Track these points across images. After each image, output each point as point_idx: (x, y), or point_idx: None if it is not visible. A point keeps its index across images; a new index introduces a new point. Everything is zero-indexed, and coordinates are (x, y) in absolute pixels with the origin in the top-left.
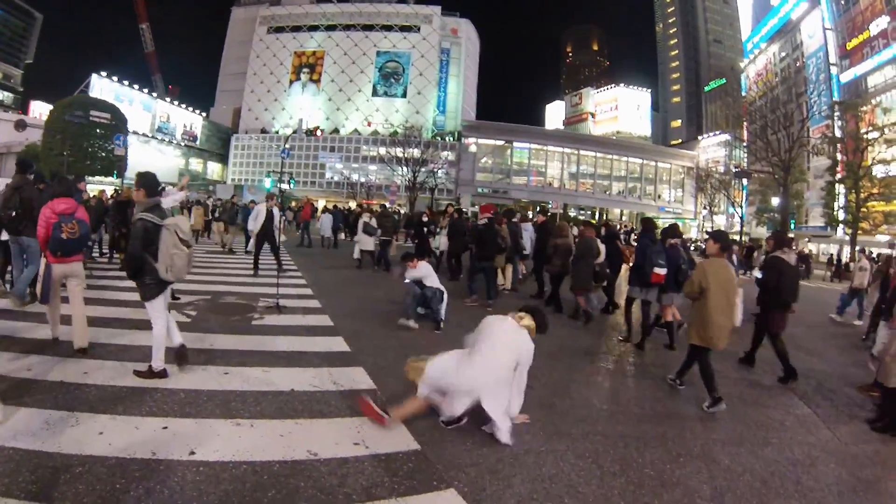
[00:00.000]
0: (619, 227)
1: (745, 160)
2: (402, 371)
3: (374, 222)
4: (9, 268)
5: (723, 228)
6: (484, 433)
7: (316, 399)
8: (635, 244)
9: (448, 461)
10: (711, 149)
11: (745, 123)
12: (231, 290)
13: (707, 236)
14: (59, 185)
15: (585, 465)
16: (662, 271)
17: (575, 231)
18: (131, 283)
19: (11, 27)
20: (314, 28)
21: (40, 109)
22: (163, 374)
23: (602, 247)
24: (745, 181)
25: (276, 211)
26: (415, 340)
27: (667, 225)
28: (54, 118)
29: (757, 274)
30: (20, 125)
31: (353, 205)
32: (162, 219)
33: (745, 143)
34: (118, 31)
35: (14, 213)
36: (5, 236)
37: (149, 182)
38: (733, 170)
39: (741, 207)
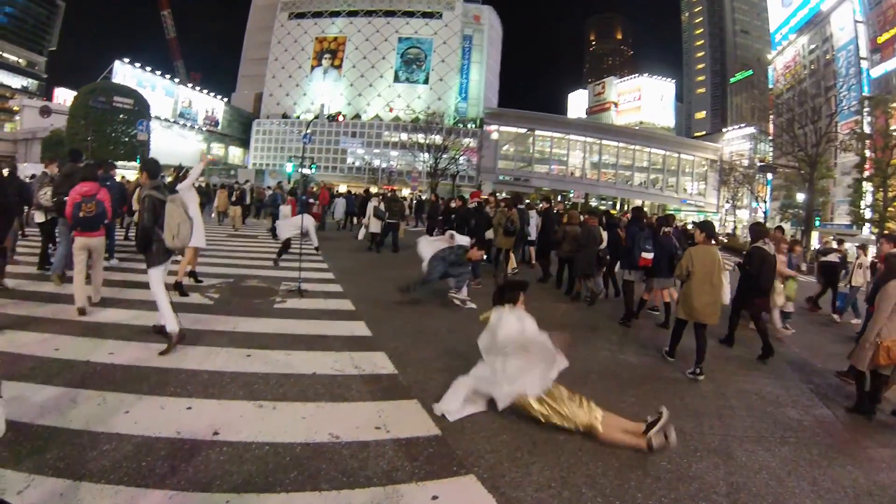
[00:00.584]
0: (621, 216)
1: (771, 154)
2: (424, 356)
3: (382, 206)
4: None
5: (745, 223)
6: (504, 421)
7: (337, 383)
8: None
9: (468, 447)
10: (736, 141)
11: (771, 116)
12: (254, 273)
13: (693, 225)
14: (86, 170)
15: (603, 456)
16: (649, 255)
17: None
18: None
19: (34, 15)
20: (335, 14)
21: (64, 96)
22: (183, 336)
23: (605, 234)
24: (769, 176)
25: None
26: (435, 326)
27: (700, 219)
28: (78, 104)
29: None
30: (45, 111)
31: (374, 190)
32: (164, 196)
33: (770, 137)
34: (140, 17)
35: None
36: (39, 219)
37: (151, 167)
38: (758, 164)
39: (765, 202)
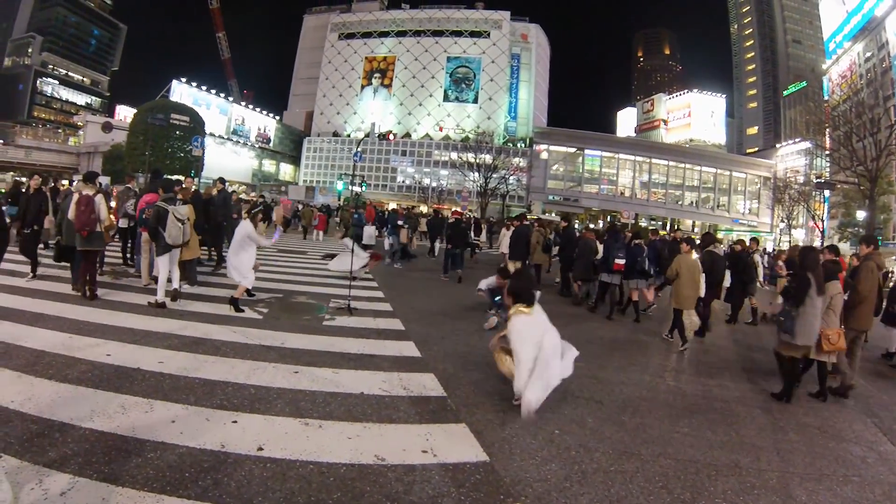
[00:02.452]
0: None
1: (828, 170)
2: (474, 378)
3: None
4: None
5: (801, 243)
6: (553, 449)
7: (385, 404)
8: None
9: (516, 475)
10: (790, 157)
11: (827, 130)
12: (303, 289)
13: (681, 240)
14: (150, 185)
15: (655, 490)
16: (621, 262)
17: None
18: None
19: (99, 38)
20: (384, 34)
21: (125, 113)
22: (162, 306)
23: (600, 246)
24: (827, 193)
25: None
26: (485, 349)
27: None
28: (138, 121)
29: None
30: (107, 127)
31: (423, 209)
32: (169, 207)
33: (827, 152)
34: (197, 39)
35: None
36: (123, 224)
37: (165, 184)
38: (814, 180)
39: (822, 221)
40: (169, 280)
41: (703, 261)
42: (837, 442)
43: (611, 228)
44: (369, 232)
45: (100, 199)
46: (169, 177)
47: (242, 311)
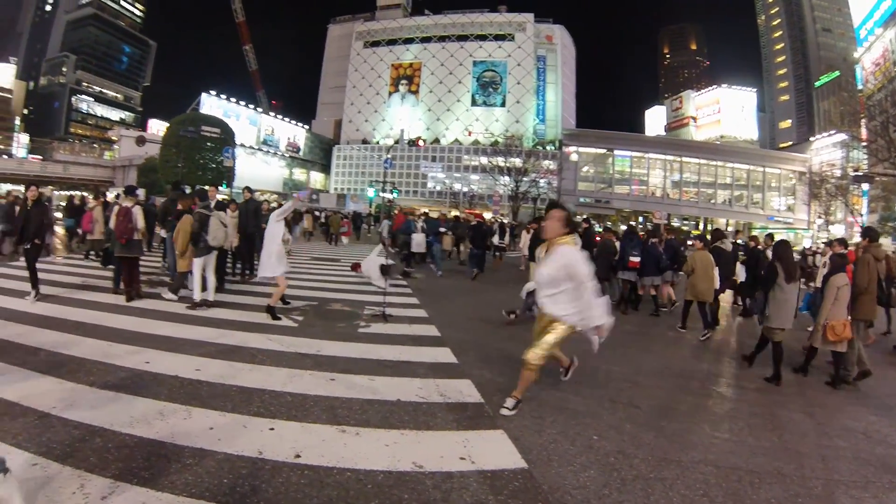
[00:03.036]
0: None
1: (865, 162)
2: (511, 384)
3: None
4: None
5: (839, 238)
6: (592, 455)
7: (422, 410)
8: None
9: (554, 482)
10: (826, 150)
11: (862, 120)
12: (337, 297)
13: (694, 237)
14: (182, 197)
15: (696, 498)
16: (636, 259)
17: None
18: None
19: (130, 56)
20: (409, 41)
21: (157, 126)
22: (199, 306)
23: (618, 245)
24: (865, 186)
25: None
26: (521, 353)
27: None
28: (170, 134)
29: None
30: (140, 141)
31: (454, 213)
32: (209, 212)
33: (863, 143)
34: (224, 52)
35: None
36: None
37: (200, 194)
38: (851, 173)
39: (861, 216)
40: (204, 290)
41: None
42: (884, 447)
43: (627, 229)
44: (418, 239)
45: (137, 210)
46: (202, 187)
47: (279, 318)
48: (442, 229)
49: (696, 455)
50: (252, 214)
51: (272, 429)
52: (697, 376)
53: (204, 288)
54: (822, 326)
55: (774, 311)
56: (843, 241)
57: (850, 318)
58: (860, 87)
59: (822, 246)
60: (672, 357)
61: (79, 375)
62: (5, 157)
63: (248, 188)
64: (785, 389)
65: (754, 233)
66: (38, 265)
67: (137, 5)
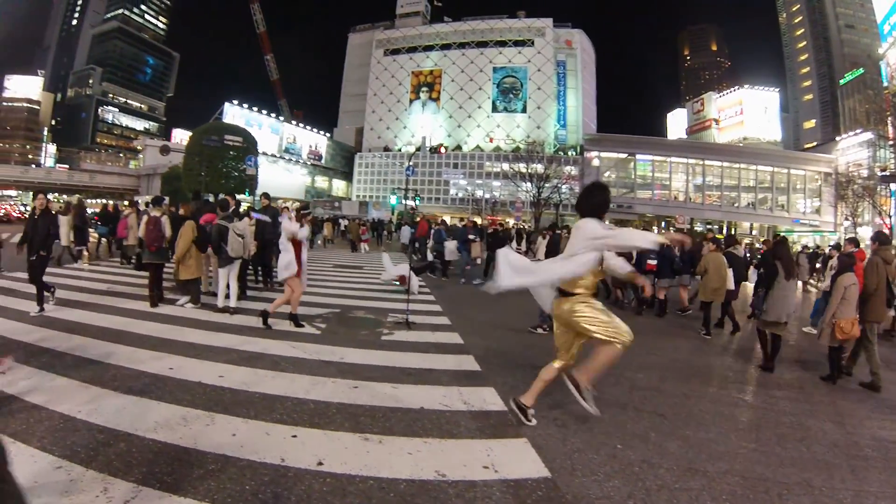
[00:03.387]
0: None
1: (893, 161)
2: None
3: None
4: None
5: (868, 242)
6: (616, 464)
7: (445, 418)
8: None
9: (578, 492)
10: (852, 150)
11: (889, 118)
12: (360, 304)
13: (707, 240)
14: (205, 206)
15: None
16: (653, 262)
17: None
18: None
19: (154, 67)
20: (429, 48)
21: (181, 136)
22: (224, 311)
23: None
24: (893, 186)
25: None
26: (544, 361)
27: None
28: (193, 143)
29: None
30: (164, 150)
31: (478, 220)
32: (229, 224)
33: (891, 142)
34: (246, 62)
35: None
36: None
37: (222, 204)
38: (879, 173)
39: (889, 217)
40: (227, 297)
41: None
42: None
43: None
44: (451, 247)
45: (164, 219)
46: (224, 197)
47: (302, 325)
48: (471, 236)
49: (723, 465)
50: (270, 222)
51: (295, 436)
52: (723, 384)
53: (227, 295)
54: (830, 325)
55: (772, 305)
56: (853, 241)
57: (858, 317)
58: (885, 83)
59: (828, 249)
60: (697, 364)
61: (104, 380)
62: (34, 166)
63: (265, 195)
64: (813, 398)
65: (780, 235)
66: (67, 270)
67: (161, 18)
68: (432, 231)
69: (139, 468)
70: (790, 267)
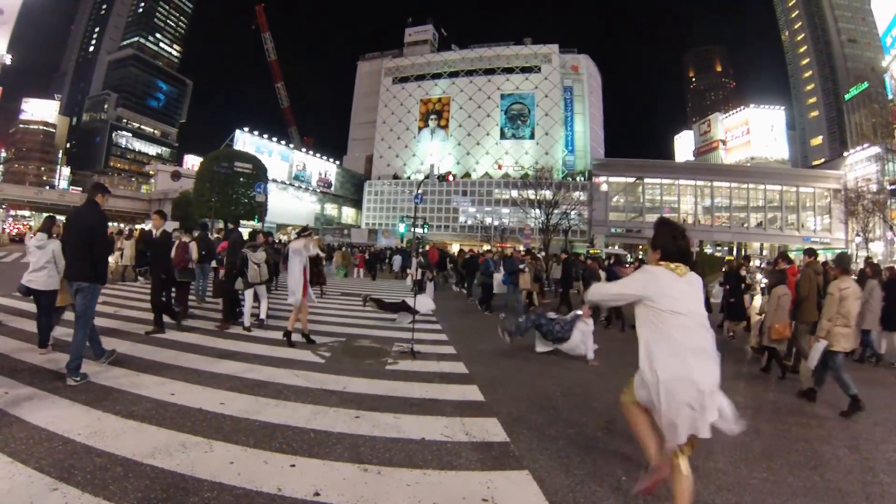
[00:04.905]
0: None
1: None
2: (539, 422)
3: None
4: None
5: (881, 257)
6: (619, 496)
7: (447, 450)
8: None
9: None
10: (860, 165)
11: (895, 131)
12: (366, 333)
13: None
14: (226, 234)
15: None
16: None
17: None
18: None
19: (168, 94)
20: (437, 76)
21: (192, 161)
22: (248, 330)
23: (602, 273)
24: None
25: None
26: (550, 390)
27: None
28: (204, 169)
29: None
30: (175, 176)
31: (486, 247)
32: (252, 252)
33: None
34: (257, 90)
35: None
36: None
37: (251, 235)
38: (888, 187)
39: None
40: (255, 308)
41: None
42: None
43: (616, 259)
44: (500, 280)
45: (192, 245)
46: (258, 231)
47: (314, 342)
48: (521, 266)
49: (731, 497)
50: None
51: (293, 465)
52: (741, 412)
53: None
54: (767, 328)
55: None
56: (785, 257)
57: (793, 321)
58: (890, 96)
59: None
60: None
61: (105, 404)
62: (48, 188)
63: (233, 220)
64: (827, 423)
65: (791, 255)
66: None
67: (175, 46)
68: (480, 262)
69: (135, 493)
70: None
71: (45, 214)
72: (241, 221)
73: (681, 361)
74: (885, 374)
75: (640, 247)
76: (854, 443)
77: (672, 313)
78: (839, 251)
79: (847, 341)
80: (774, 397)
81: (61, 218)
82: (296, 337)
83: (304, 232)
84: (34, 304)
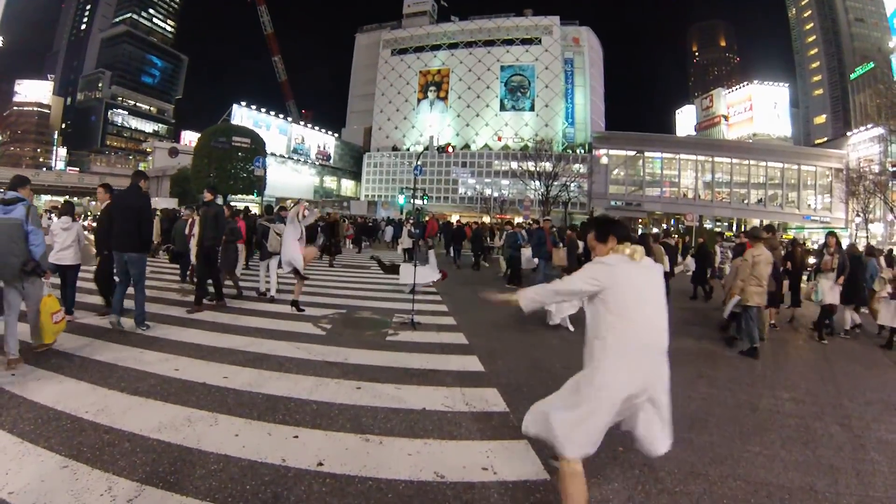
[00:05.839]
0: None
1: None
2: (538, 393)
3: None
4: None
5: (880, 238)
6: (615, 468)
7: (447, 420)
8: None
9: None
10: (863, 146)
11: None
12: (366, 304)
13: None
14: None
15: None
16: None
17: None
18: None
19: (163, 70)
20: (437, 47)
21: (190, 137)
22: (272, 300)
23: (581, 243)
24: None
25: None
26: (549, 362)
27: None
28: (201, 145)
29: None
30: (173, 152)
31: (486, 219)
32: (269, 224)
33: None
34: (254, 64)
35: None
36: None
37: (267, 209)
38: (890, 168)
39: None
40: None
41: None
42: None
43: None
44: (528, 254)
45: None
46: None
47: (303, 310)
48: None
49: (725, 469)
50: (211, 223)
51: (296, 437)
52: (729, 386)
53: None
54: (726, 292)
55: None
56: (748, 233)
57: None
58: None
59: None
60: (703, 365)
61: (110, 381)
62: (45, 169)
63: (210, 187)
64: (820, 400)
65: (790, 232)
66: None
67: (169, 21)
68: (506, 234)
69: (143, 468)
70: None
71: (43, 197)
72: (241, 196)
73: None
74: (881, 355)
75: (640, 220)
76: (846, 421)
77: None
78: (753, 227)
79: (759, 297)
80: (769, 373)
81: (59, 199)
82: (282, 324)
83: (293, 204)
84: (59, 279)
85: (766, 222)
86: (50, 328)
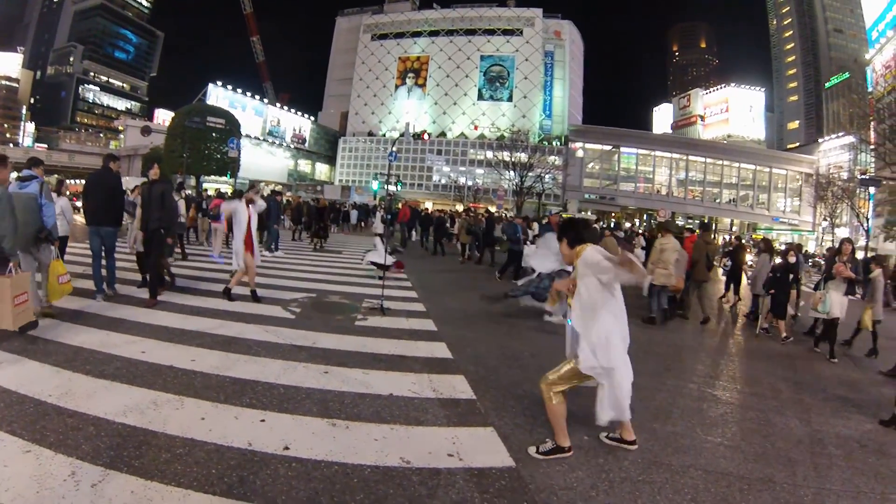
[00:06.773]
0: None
1: (873, 165)
2: (505, 381)
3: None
4: None
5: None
6: (580, 454)
7: (414, 405)
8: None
9: (541, 482)
10: (833, 153)
11: (871, 123)
12: (336, 289)
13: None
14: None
15: (683, 502)
16: None
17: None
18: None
19: (138, 46)
20: (417, 34)
21: (163, 116)
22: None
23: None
24: (871, 189)
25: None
26: (518, 350)
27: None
28: (175, 124)
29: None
30: (146, 131)
31: (459, 207)
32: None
33: (871, 146)
34: (232, 43)
35: None
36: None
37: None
38: (859, 176)
39: (867, 219)
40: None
41: None
42: (878, 457)
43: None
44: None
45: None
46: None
47: (259, 299)
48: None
49: (687, 459)
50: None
51: (263, 420)
52: (695, 379)
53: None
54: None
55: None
56: (661, 226)
57: (687, 279)
58: (870, 89)
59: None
60: (671, 359)
61: (75, 364)
62: (12, 145)
63: (154, 162)
64: (782, 395)
65: (759, 233)
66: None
67: None
68: (503, 226)
69: (107, 452)
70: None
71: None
72: (214, 178)
73: None
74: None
75: (613, 214)
76: (805, 416)
77: None
78: (665, 221)
79: (665, 278)
80: (733, 368)
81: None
82: (251, 307)
83: (249, 190)
84: None
85: (736, 222)
86: (57, 289)
